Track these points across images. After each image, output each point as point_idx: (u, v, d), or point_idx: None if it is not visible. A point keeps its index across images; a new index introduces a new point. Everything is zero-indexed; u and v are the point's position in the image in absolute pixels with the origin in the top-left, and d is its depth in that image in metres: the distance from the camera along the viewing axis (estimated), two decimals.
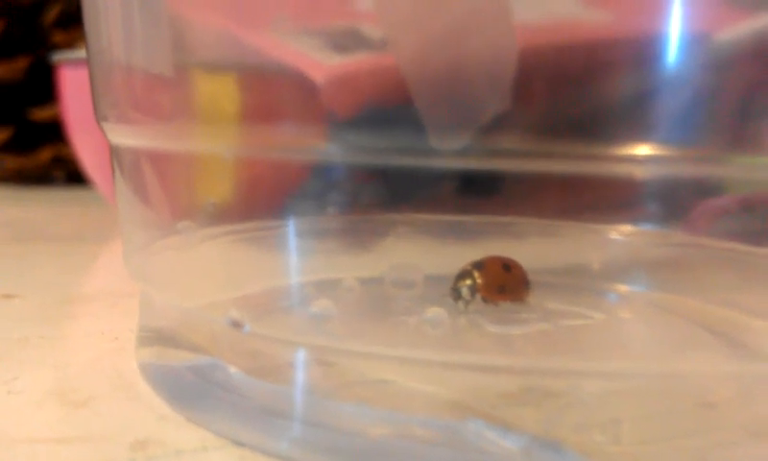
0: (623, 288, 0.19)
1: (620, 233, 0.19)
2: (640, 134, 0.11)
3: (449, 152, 0.12)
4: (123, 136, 0.16)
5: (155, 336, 0.16)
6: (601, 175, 0.13)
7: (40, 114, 0.51)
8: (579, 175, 0.13)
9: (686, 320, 0.18)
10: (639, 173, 0.13)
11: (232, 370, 0.14)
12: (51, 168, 0.54)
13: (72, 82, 0.35)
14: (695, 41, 0.11)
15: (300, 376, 0.14)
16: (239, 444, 0.13)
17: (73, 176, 0.52)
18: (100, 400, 0.15)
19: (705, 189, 0.15)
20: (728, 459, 0.12)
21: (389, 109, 0.12)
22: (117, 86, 0.16)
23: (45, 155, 0.53)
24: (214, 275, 0.18)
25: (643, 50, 0.11)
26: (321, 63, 0.13)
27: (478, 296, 0.18)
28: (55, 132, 0.48)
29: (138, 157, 0.16)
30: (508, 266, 0.18)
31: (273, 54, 0.14)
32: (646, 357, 0.13)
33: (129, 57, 0.15)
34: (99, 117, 0.17)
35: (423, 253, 0.21)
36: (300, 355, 0.14)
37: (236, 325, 0.13)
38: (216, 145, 0.15)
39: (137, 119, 0.15)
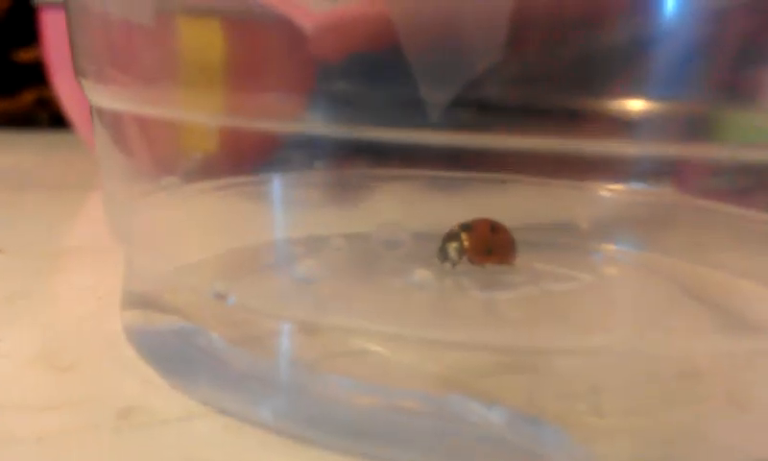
0: (611, 247, 0.19)
1: (610, 191, 0.19)
2: (633, 87, 0.11)
3: (438, 108, 0.12)
4: (103, 98, 0.16)
5: (139, 299, 0.16)
6: (591, 130, 0.12)
7: (23, 56, 0.50)
8: (569, 131, 0.13)
9: (673, 282, 0.18)
10: (631, 128, 0.12)
11: (216, 337, 0.14)
12: (34, 110, 0.53)
13: (54, 25, 0.34)
14: None
15: (284, 346, 0.14)
16: (223, 412, 0.13)
17: (56, 118, 0.51)
18: (85, 364, 0.15)
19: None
20: (711, 430, 0.12)
21: (378, 59, 0.12)
22: (96, 40, 0.15)
23: (28, 97, 0.52)
24: (198, 232, 0.18)
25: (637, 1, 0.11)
26: (310, 10, 0.13)
27: (465, 257, 0.18)
28: (38, 73, 0.47)
29: (119, 113, 0.16)
30: (495, 228, 0.18)
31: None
32: (629, 330, 0.13)
33: (108, 5, 0.15)
34: (77, 72, 0.16)
35: (411, 208, 0.20)
36: (284, 325, 0.14)
37: (220, 297, 0.13)
38: (198, 112, 0.15)
39: (117, 78, 0.15)
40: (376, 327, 0.13)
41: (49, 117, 0.53)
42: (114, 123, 0.16)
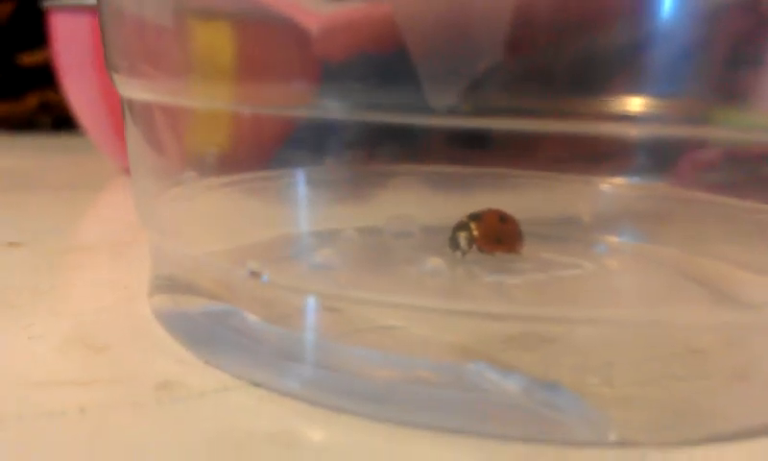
0: (613, 239, 0.20)
1: (610, 185, 0.20)
2: (631, 87, 0.12)
3: (441, 106, 0.13)
4: (134, 90, 0.16)
5: (168, 284, 0.17)
6: (591, 128, 0.13)
7: (27, 59, 0.50)
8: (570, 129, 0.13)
9: (673, 270, 0.19)
10: (630, 125, 0.13)
11: (246, 316, 0.15)
12: (37, 114, 0.54)
13: (63, 27, 0.35)
14: None
15: (311, 322, 0.14)
16: (257, 385, 0.13)
17: (59, 121, 0.52)
18: (119, 345, 0.15)
19: (690, 141, 0.16)
20: (715, 401, 0.13)
21: (382, 59, 0.13)
22: (129, 38, 0.16)
23: (32, 101, 0.52)
24: (218, 225, 0.18)
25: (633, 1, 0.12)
26: (314, 12, 0.13)
27: (475, 246, 0.19)
28: (41, 77, 0.47)
29: (149, 107, 0.17)
30: (503, 218, 0.19)
31: (266, 2, 0.14)
32: (635, 305, 0.14)
33: (137, 5, 0.16)
34: (110, 68, 0.17)
35: (419, 203, 0.21)
36: (311, 303, 0.14)
37: (255, 275, 0.14)
38: (216, 101, 0.16)
39: (148, 72, 0.16)
40: (398, 301, 0.14)
41: (52, 121, 0.54)
42: (144, 117, 0.17)
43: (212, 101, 0.16)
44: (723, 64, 0.12)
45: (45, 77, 0.43)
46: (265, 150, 0.19)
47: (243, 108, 0.16)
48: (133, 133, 0.17)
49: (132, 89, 0.16)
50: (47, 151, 0.48)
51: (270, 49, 0.14)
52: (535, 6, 0.12)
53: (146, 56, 0.16)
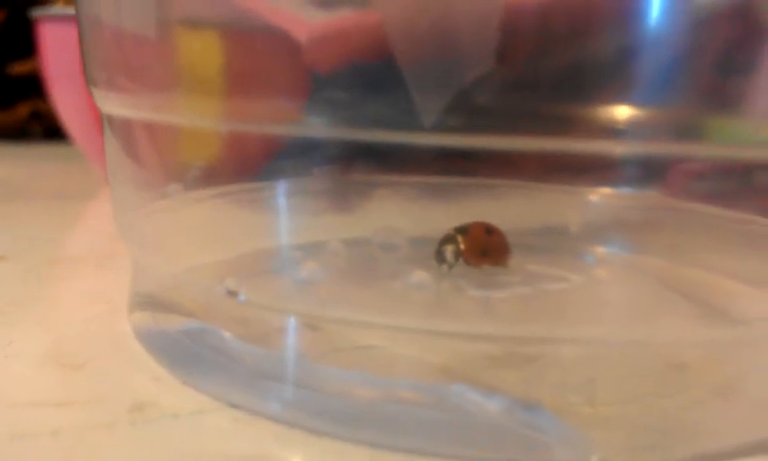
0: (600, 250, 0.20)
1: (598, 195, 0.20)
2: (620, 95, 0.11)
3: (432, 115, 0.12)
4: (113, 105, 0.16)
5: (148, 301, 0.17)
6: (580, 139, 0.13)
7: (18, 69, 0.50)
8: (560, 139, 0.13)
9: (660, 282, 0.19)
10: (620, 141, 0.13)
11: (225, 335, 0.14)
12: (29, 123, 0.54)
13: (52, 38, 0.34)
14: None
15: (291, 342, 0.14)
16: (234, 406, 0.13)
17: (50, 131, 0.52)
18: (96, 363, 0.15)
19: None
20: (698, 418, 0.13)
21: (371, 70, 0.13)
22: (107, 50, 0.16)
23: (23, 110, 0.52)
24: (202, 238, 0.18)
25: (624, 8, 0.11)
26: (303, 21, 0.13)
27: (461, 259, 0.18)
28: (32, 86, 0.47)
29: (129, 121, 0.17)
30: (490, 231, 0.19)
31: (255, 11, 0.14)
32: (620, 323, 0.14)
33: (116, 16, 0.15)
34: (89, 81, 0.17)
35: (406, 214, 0.21)
36: (291, 321, 0.14)
37: (232, 294, 0.14)
38: (200, 117, 0.16)
39: (127, 86, 0.15)
40: (379, 321, 0.13)
41: (43, 130, 0.54)
42: (124, 131, 0.16)
43: (195, 118, 0.16)
44: (713, 72, 0.12)
45: (36, 86, 0.43)
46: (254, 164, 0.19)
47: (229, 125, 0.16)
48: (113, 147, 0.17)
49: (112, 104, 0.16)
50: (38, 160, 0.48)
51: (259, 60, 0.14)
52: (523, 14, 0.12)
53: (125, 69, 0.16)
